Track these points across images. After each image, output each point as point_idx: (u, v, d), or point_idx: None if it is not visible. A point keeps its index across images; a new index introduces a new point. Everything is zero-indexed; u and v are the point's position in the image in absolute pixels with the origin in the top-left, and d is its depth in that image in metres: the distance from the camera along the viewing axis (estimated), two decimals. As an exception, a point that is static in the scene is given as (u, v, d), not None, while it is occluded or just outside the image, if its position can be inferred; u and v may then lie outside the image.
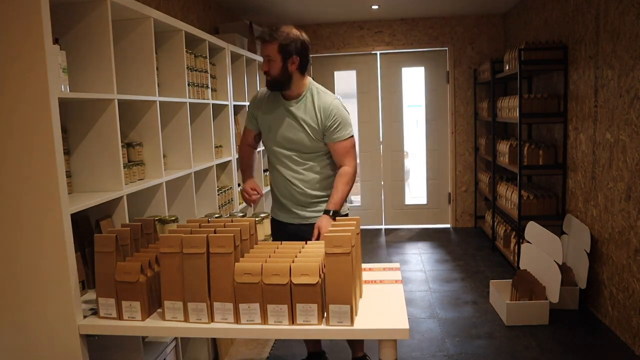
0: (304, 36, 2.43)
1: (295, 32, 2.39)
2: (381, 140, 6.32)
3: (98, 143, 2.03)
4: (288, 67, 2.34)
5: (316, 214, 2.49)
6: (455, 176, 6.20)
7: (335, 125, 2.38)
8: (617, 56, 3.16)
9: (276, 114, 2.45)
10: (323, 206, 2.50)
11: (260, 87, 4.49)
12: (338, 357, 3.08)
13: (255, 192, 2.55)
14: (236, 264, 1.60)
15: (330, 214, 2.37)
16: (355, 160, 2.45)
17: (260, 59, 4.40)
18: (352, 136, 2.44)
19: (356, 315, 1.62)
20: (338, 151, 2.42)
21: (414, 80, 6.93)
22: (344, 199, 2.43)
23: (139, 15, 2.29)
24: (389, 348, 1.58)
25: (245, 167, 2.67)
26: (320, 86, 2.50)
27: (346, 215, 2.60)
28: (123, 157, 2.12)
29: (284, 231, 2.55)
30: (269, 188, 4.53)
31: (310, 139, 2.42)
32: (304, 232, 2.45)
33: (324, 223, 2.33)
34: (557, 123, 4.13)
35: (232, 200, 3.54)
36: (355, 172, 2.44)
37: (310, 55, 2.50)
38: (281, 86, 2.41)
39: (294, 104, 2.42)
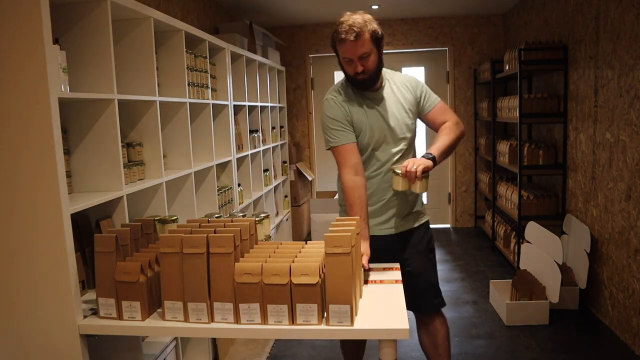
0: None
1: (367, 16, 2.10)
2: (381, 140, 6.31)
3: (98, 143, 2.03)
4: (381, 56, 2.12)
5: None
6: (455, 176, 6.20)
7: (425, 95, 2.25)
8: (617, 56, 3.16)
9: (370, 111, 2.16)
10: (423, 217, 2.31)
11: (262, 88, 4.51)
12: (338, 357, 3.08)
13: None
14: (236, 264, 1.60)
15: (430, 157, 2.06)
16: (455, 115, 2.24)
17: (260, 59, 4.40)
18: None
19: (356, 315, 1.62)
20: (437, 113, 2.23)
21: (414, 80, 6.92)
22: (447, 148, 2.15)
23: (139, 15, 2.29)
24: (389, 348, 1.57)
25: (361, 207, 2.07)
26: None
27: (426, 222, 2.36)
28: (123, 157, 2.12)
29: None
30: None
31: (412, 119, 2.22)
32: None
33: (419, 161, 2.00)
34: (557, 123, 4.13)
35: (232, 200, 3.54)
36: (459, 122, 2.22)
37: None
38: (376, 80, 2.16)
39: (383, 91, 2.20)
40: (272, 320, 1.59)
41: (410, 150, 2.25)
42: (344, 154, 2.12)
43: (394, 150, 2.19)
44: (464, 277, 4.43)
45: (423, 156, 2.07)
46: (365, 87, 2.15)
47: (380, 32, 2.08)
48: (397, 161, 2.19)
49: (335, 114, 2.14)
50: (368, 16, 2.09)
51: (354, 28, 2.02)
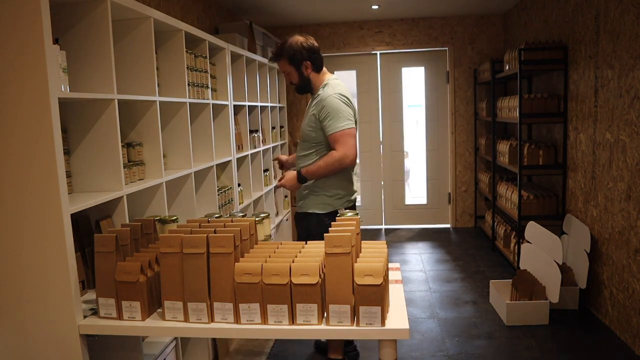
0: (309, 41, 2.70)
1: (297, 40, 2.67)
2: (381, 140, 6.33)
3: (98, 143, 2.03)
4: (304, 72, 2.70)
5: (303, 206, 2.76)
6: (455, 176, 6.20)
7: (326, 118, 2.60)
8: (617, 56, 3.16)
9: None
10: (311, 199, 2.71)
11: (262, 88, 4.51)
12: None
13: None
14: (236, 264, 1.60)
15: (299, 175, 2.65)
16: (348, 149, 2.57)
17: (260, 59, 4.41)
18: (346, 129, 2.59)
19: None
20: (331, 140, 2.62)
21: (414, 80, 6.93)
22: (317, 173, 2.63)
23: (139, 15, 2.29)
24: (389, 348, 1.58)
25: None
26: (335, 81, 2.74)
27: (352, 205, 2.85)
28: (123, 157, 2.12)
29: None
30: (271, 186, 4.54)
31: (310, 128, 2.67)
32: (297, 220, 2.83)
33: (288, 176, 2.69)
34: (557, 123, 4.13)
35: (232, 200, 3.54)
36: (342, 158, 2.57)
37: (321, 53, 2.76)
38: (305, 89, 2.79)
39: (312, 100, 2.75)
40: (272, 320, 1.59)
41: (311, 154, 2.70)
42: None
43: (300, 147, 2.78)
44: (464, 277, 4.43)
45: (298, 173, 2.67)
46: (298, 92, 2.85)
47: (300, 55, 2.64)
48: (301, 158, 2.75)
49: None
50: (297, 39, 2.66)
51: (274, 52, 2.72)
